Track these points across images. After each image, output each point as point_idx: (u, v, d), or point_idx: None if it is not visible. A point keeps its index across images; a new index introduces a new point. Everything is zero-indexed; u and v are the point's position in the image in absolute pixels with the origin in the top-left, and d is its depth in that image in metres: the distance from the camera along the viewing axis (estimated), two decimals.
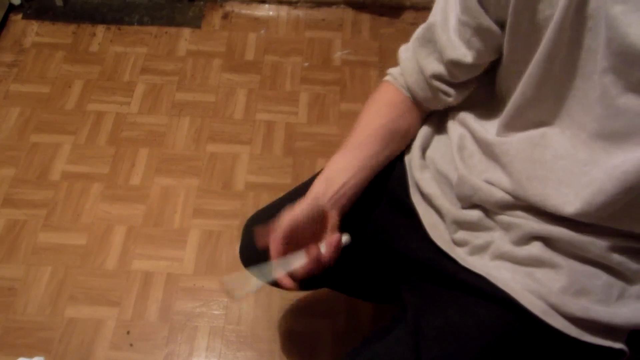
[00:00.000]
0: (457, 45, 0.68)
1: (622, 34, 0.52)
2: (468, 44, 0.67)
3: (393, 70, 0.78)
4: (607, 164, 0.57)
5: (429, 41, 0.71)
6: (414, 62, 0.73)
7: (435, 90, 0.73)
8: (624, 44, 0.52)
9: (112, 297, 1.32)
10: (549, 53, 0.58)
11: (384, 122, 0.75)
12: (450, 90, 0.73)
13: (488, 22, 0.65)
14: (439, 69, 0.71)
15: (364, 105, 0.79)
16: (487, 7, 0.64)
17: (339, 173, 0.72)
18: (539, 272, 0.65)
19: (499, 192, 0.67)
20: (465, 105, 0.74)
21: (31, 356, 1.15)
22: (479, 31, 0.66)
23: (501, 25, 0.64)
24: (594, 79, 0.56)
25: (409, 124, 0.77)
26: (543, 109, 0.63)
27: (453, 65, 0.69)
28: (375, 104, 0.77)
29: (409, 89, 0.75)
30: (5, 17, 1.85)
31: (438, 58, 0.71)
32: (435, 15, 0.70)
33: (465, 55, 0.68)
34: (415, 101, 0.76)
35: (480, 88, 0.75)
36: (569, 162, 0.61)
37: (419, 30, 0.73)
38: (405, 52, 0.76)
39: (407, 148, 0.81)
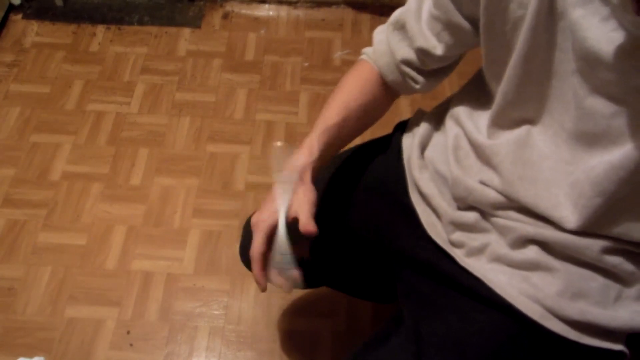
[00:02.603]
0: (428, 36, 0.69)
1: (582, 38, 0.52)
2: (438, 37, 0.69)
3: (367, 50, 0.79)
4: (586, 165, 0.58)
5: (402, 27, 0.72)
6: (386, 45, 0.74)
7: (403, 75, 0.74)
8: (584, 48, 0.52)
9: (112, 297, 1.32)
10: (526, 55, 0.58)
11: (361, 102, 0.76)
12: (418, 77, 0.74)
13: (458, 19, 0.66)
14: (409, 55, 0.72)
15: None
16: (459, 4, 0.65)
17: (318, 159, 0.72)
18: (535, 276, 0.65)
19: (493, 193, 0.67)
20: (460, 103, 0.74)
21: (31, 356, 1.15)
22: (449, 26, 0.67)
23: (474, 22, 0.65)
24: (568, 79, 0.56)
25: (382, 106, 0.79)
26: (526, 109, 0.63)
27: (422, 53, 0.71)
28: (353, 82, 0.78)
29: (380, 70, 0.76)
30: (5, 17, 1.85)
31: (409, 44, 0.72)
32: (410, 3, 0.72)
33: (435, 47, 0.69)
34: (386, 82, 0.77)
35: (473, 86, 0.75)
36: (553, 162, 0.61)
37: (394, 15, 0.74)
38: (379, 33, 0.77)
39: (406, 147, 0.81)
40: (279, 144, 0.71)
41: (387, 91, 0.78)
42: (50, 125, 1.61)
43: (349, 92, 0.76)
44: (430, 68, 0.73)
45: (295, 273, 0.65)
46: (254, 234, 0.67)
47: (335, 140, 0.74)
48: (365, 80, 0.77)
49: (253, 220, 0.68)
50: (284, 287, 0.67)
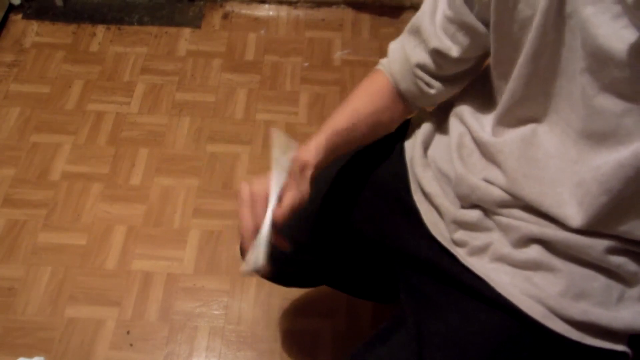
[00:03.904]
0: (442, 37, 0.69)
1: (593, 35, 0.52)
2: (453, 39, 0.68)
3: (383, 60, 0.79)
4: (593, 164, 0.58)
5: (416, 31, 0.72)
6: (402, 51, 0.74)
7: (418, 80, 0.74)
8: (594, 45, 0.53)
9: (112, 297, 1.32)
10: (534, 53, 0.59)
11: (371, 110, 0.76)
12: (433, 82, 0.73)
13: (472, 20, 0.66)
14: (424, 58, 0.72)
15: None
16: (472, 5, 0.65)
17: (326, 155, 0.71)
18: (538, 276, 0.65)
19: (497, 191, 0.67)
20: (464, 102, 0.74)
21: (31, 356, 1.15)
22: (463, 27, 0.67)
23: (486, 23, 0.65)
24: (576, 78, 0.57)
25: (392, 116, 0.78)
26: (533, 107, 0.63)
27: (437, 55, 0.70)
28: (365, 90, 0.78)
29: (393, 78, 0.76)
30: (5, 17, 1.85)
31: (424, 48, 0.72)
32: (425, 5, 0.72)
33: (450, 48, 0.69)
34: (399, 92, 0.76)
35: (477, 85, 0.75)
36: (559, 161, 0.61)
37: (411, 20, 0.74)
38: (395, 42, 0.77)
39: (408, 146, 0.81)
40: (277, 130, 0.68)
41: (399, 102, 0.77)
42: (50, 125, 1.61)
43: (360, 99, 0.76)
44: (447, 73, 0.73)
45: (264, 262, 0.63)
46: (248, 207, 0.65)
47: (342, 145, 0.74)
48: (377, 89, 0.77)
49: (243, 191, 0.66)
50: (247, 265, 0.64)
